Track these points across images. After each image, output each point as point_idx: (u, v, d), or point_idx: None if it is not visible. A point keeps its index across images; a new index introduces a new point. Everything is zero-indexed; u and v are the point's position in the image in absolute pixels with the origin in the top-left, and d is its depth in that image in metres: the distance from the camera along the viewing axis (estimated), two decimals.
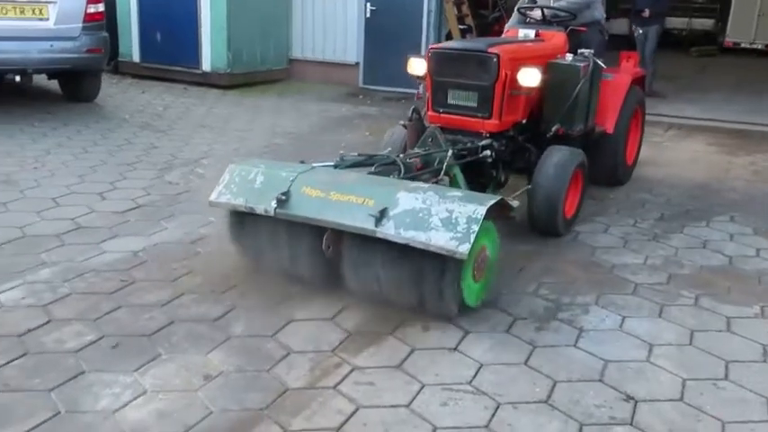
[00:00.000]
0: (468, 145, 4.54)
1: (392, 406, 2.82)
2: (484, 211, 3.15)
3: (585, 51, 4.97)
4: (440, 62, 4.75)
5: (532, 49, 5.02)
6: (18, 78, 7.90)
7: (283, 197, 3.46)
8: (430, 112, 4.83)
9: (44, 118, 7.83)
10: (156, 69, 10.88)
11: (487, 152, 4.51)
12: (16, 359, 3.03)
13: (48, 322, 3.34)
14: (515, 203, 3.76)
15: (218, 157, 6.47)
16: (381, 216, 3.21)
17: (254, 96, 10.02)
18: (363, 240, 3.31)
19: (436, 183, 3.97)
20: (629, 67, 5.95)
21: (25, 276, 3.81)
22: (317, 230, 3.43)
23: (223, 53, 10.31)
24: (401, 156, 4.21)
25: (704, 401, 2.93)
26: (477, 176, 4.61)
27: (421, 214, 3.20)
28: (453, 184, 4.23)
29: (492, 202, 3.27)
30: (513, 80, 4.53)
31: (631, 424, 2.77)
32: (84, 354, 3.10)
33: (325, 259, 3.48)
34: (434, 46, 4.91)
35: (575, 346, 3.34)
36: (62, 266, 3.96)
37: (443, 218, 3.16)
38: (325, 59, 11.28)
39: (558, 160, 4.54)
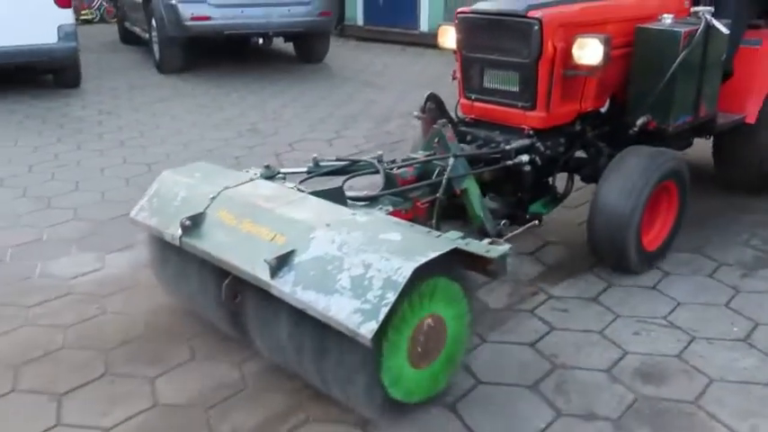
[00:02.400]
0: (501, 146, 3.34)
1: (585, 330, 3.00)
2: (409, 272, 2.08)
3: (702, 9, 3.50)
4: (469, 32, 3.53)
5: (604, 9, 3.50)
6: (261, 41, 8.95)
7: (188, 222, 2.61)
8: (462, 99, 3.68)
9: (281, 77, 8.79)
10: (376, 32, 11.63)
11: (523, 157, 3.27)
12: None
13: None
14: (502, 250, 2.38)
15: None
16: (281, 264, 2.28)
17: None
18: (265, 291, 2.35)
19: (430, 204, 3.04)
20: None
21: None
22: (222, 271, 2.56)
23: (440, 14, 10.70)
24: (394, 162, 3.23)
25: None
26: (517, 189, 3.49)
27: (330, 267, 2.22)
28: (467, 204, 3.19)
29: (432, 256, 2.16)
30: (567, 55, 3.26)
31: None
32: None
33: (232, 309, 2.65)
34: (463, 10, 3.57)
35: None
36: None
37: (355, 276, 2.16)
38: None
39: (628, 170, 3.22)
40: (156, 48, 9.08)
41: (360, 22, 11.93)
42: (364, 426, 2.43)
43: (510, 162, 3.27)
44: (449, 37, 3.66)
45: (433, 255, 2.16)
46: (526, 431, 2.43)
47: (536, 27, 3.21)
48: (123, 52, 11.01)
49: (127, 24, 11.15)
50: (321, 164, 3.19)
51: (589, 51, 3.19)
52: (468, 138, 3.53)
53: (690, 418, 2.46)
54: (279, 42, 10.09)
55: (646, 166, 3.23)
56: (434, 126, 3.19)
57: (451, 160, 3.04)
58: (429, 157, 3.16)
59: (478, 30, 3.49)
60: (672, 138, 3.61)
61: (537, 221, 3.36)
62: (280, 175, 3.05)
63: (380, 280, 2.11)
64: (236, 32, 8.69)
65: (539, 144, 3.36)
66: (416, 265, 2.10)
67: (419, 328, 2.31)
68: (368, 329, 2.03)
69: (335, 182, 3.00)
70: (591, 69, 3.26)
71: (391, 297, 2.06)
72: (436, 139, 3.18)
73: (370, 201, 2.94)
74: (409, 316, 2.25)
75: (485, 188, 3.38)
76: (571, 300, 3.26)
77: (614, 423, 2.44)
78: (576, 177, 3.73)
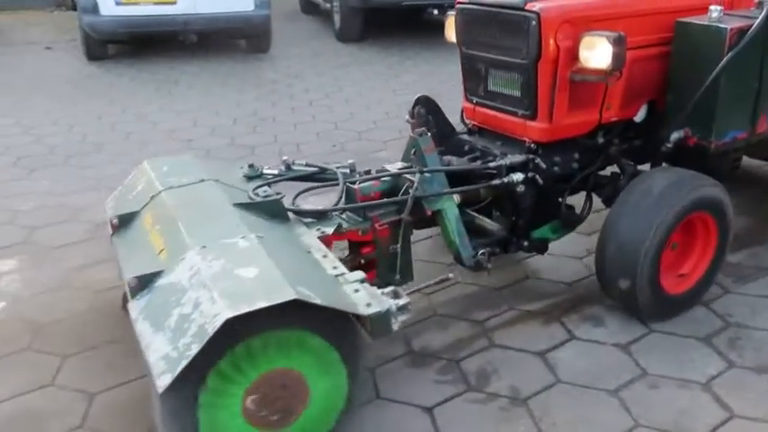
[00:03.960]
0: (488, 161, 2.91)
1: (760, 296, 3.08)
2: (219, 323, 1.81)
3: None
4: (468, 25, 3.11)
5: (629, 1, 2.95)
6: (436, 12, 9.25)
7: (116, 221, 2.60)
8: (464, 103, 3.26)
9: (452, 45, 8.34)
10: None
11: (516, 176, 2.83)
12: None
13: None
14: (382, 307, 2.06)
15: None
16: (142, 285, 2.14)
17: None
18: None
19: (394, 225, 2.66)
20: None
21: None
22: None
23: None
24: (369, 173, 2.88)
25: None
26: (514, 211, 3.00)
27: (172, 299, 2.04)
28: (441, 228, 2.81)
29: (257, 306, 1.86)
30: (574, 56, 2.77)
31: None
32: None
33: None
34: (463, 0, 3.12)
35: None
36: None
37: (182, 315, 1.95)
38: None
39: (648, 195, 2.72)
40: (336, 17, 9.68)
41: None
42: (542, 354, 2.71)
43: (496, 182, 2.81)
44: (453, 30, 3.20)
45: (260, 305, 1.86)
46: (697, 376, 2.60)
47: (533, 22, 2.73)
48: (303, 21, 11.76)
49: None
50: (293, 167, 2.95)
51: (597, 52, 2.66)
52: (466, 148, 3.11)
53: None
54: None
55: (670, 192, 2.71)
56: (411, 135, 2.81)
57: (418, 176, 2.66)
58: (392, 172, 2.78)
59: (477, 23, 3.04)
60: (718, 158, 3.09)
61: (449, 276, 2.58)
62: (261, 177, 2.86)
63: (196, 326, 1.88)
64: (414, 3, 9.05)
65: (539, 161, 2.87)
66: (230, 315, 1.81)
67: (256, 385, 2.02)
68: (163, 382, 1.81)
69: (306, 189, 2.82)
70: (601, 74, 2.71)
71: (194, 349, 1.82)
72: (413, 150, 2.80)
73: (319, 217, 2.62)
74: (234, 372, 1.97)
75: (487, 207, 3.05)
76: (747, 268, 3.32)
77: None
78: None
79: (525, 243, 3.01)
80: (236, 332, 1.89)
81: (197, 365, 1.85)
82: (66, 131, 5.78)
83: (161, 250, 2.29)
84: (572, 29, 2.73)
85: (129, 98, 6.80)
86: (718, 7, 2.82)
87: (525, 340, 2.83)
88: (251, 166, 2.89)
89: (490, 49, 3.00)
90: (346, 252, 2.77)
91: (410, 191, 2.63)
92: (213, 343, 1.82)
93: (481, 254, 2.77)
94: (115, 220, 2.60)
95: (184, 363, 1.81)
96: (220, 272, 2.05)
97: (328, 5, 10.19)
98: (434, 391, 2.56)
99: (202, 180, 2.68)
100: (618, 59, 2.63)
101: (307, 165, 2.96)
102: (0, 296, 3.21)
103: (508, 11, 2.85)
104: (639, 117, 3.11)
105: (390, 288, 2.17)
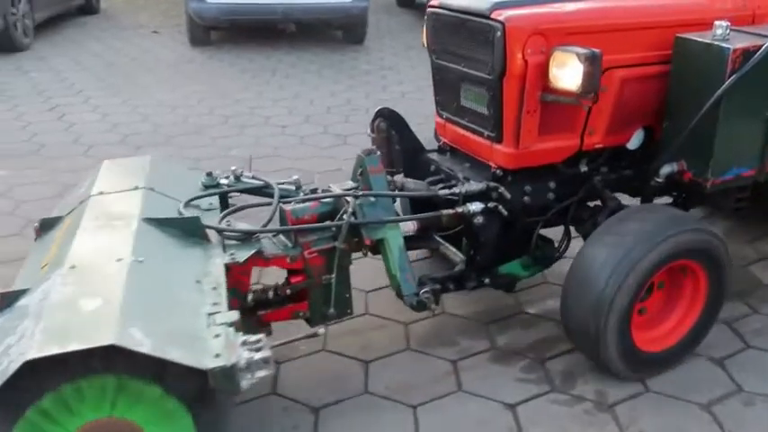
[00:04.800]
0: (458, 188, 2.57)
1: None
2: (17, 365, 1.59)
3: None
4: (438, 32, 2.77)
5: (618, 11, 2.58)
6: None
7: (37, 226, 2.43)
8: (436, 118, 2.94)
9: None
10: None
11: (472, 206, 2.52)
12: None
13: None
14: (228, 360, 1.74)
15: None
16: (5, 303, 1.95)
17: None
18: None
19: (327, 253, 2.38)
20: None
21: None
22: None
23: None
24: (315, 192, 2.62)
25: None
26: (473, 243, 2.70)
27: (14, 324, 1.84)
28: (383, 259, 2.47)
29: (50, 353, 1.61)
30: (546, 73, 2.40)
31: None
32: None
33: None
34: (433, 3, 2.79)
35: None
36: None
37: (8, 346, 1.76)
38: None
39: (624, 235, 2.38)
40: None
41: None
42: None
43: (449, 211, 2.50)
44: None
45: (71, 347, 1.62)
46: None
47: (498, 33, 2.37)
48: (398, 15, 11.85)
49: None
50: (243, 178, 2.68)
51: (567, 71, 2.31)
52: (432, 168, 2.82)
53: None
54: None
55: (649, 234, 2.34)
56: (359, 154, 2.51)
57: (352, 200, 2.38)
58: (329, 193, 2.51)
59: (446, 31, 2.70)
60: (717, 198, 2.72)
61: (318, 331, 2.29)
62: (218, 186, 2.64)
63: (7, 361, 1.65)
64: None
65: (503, 190, 2.54)
66: (32, 357, 1.59)
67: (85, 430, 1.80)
68: None
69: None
70: (572, 96, 2.35)
71: None
72: (359, 171, 2.50)
73: (243, 239, 2.32)
74: (59, 414, 1.75)
75: (454, 236, 2.74)
76: None
77: None
78: None
79: (487, 280, 2.69)
80: (52, 373, 1.69)
81: (8, 403, 1.68)
82: (169, 112, 6.03)
83: (45, 265, 2.10)
84: (544, 42, 2.36)
85: (228, 84, 7.03)
86: (724, 23, 2.39)
87: None
88: (209, 174, 2.64)
89: (460, 61, 2.64)
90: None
91: (353, 215, 2.35)
92: (22, 383, 1.63)
93: (425, 292, 2.45)
94: (36, 225, 2.42)
95: None
96: (63, 300, 1.83)
97: None
98: (518, 389, 2.55)
99: (136, 188, 2.45)
100: (590, 81, 2.25)
101: (253, 177, 2.69)
102: None
103: (474, 18, 2.50)
104: (633, 144, 2.70)
105: (256, 337, 1.84)
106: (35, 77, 7.18)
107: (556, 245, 2.83)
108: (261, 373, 1.79)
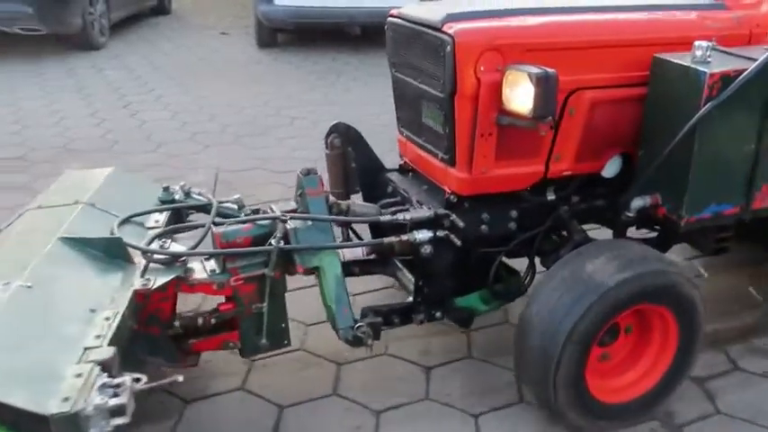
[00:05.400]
0: (402, 215, 2.35)
1: None
2: None
3: None
4: (396, 44, 2.57)
5: (588, 26, 2.33)
6: None
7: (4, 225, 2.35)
8: (398, 135, 2.74)
9: None
10: None
11: (419, 234, 2.29)
12: None
13: None
14: (65, 406, 1.52)
15: None
16: None
17: None
18: None
19: (257, 281, 2.19)
20: None
21: None
22: None
23: None
24: (257, 212, 2.41)
25: None
26: (421, 274, 2.43)
27: None
28: (320, 288, 2.26)
29: None
30: (499, 93, 2.15)
31: None
32: None
33: None
34: (393, 12, 2.58)
35: None
36: None
37: None
38: None
39: (581, 273, 2.13)
40: None
41: None
42: (701, 382, 2.57)
43: (392, 239, 2.28)
44: None
45: None
46: None
47: (448, 48, 2.14)
48: None
49: None
50: (193, 194, 2.53)
51: (518, 92, 2.07)
52: (389, 190, 2.65)
53: None
54: None
55: (609, 274, 2.09)
56: (299, 173, 2.31)
57: (280, 225, 2.18)
58: (259, 216, 2.31)
59: (403, 43, 2.49)
60: (695, 237, 2.48)
61: (176, 379, 1.82)
62: (174, 201, 2.50)
63: None
64: None
65: (455, 218, 2.31)
66: None
67: None
68: None
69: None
70: (527, 120, 2.08)
71: None
72: (299, 192, 2.32)
73: (169, 262, 2.14)
74: None
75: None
76: None
77: None
78: None
79: (438, 313, 2.44)
80: None
81: None
82: (237, 112, 6.15)
83: None
84: (500, 59, 2.12)
85: (294, 85, 7.12)
86: (705, 43, 2.12)
87: None
88: (165, 189, 2.51)
89: (417, 75, 2.42)
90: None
91: (283, 240, 2.16)
92: None
93: (360, 327, 2.22)
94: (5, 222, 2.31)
95: None
96: None
97: None
98: None
99: (76, 202, 2.31)
100: (543, 104, 2.00)
101: (199, 194, 2.53)
102: None
103: (427, 30, 2.28)
104: (609, 172, 2.45)
105: (119, 380, 1.62)
106: (110, 75, 7.44)
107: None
108: (117, 421, 1.56)
